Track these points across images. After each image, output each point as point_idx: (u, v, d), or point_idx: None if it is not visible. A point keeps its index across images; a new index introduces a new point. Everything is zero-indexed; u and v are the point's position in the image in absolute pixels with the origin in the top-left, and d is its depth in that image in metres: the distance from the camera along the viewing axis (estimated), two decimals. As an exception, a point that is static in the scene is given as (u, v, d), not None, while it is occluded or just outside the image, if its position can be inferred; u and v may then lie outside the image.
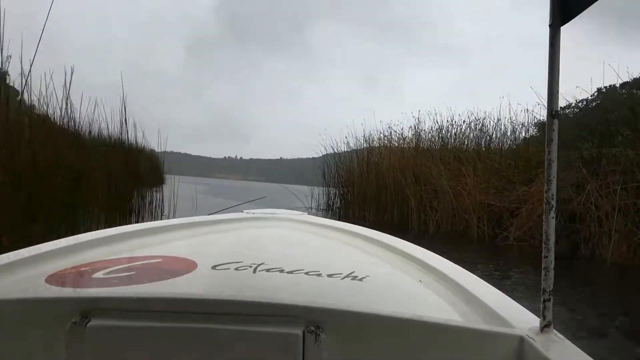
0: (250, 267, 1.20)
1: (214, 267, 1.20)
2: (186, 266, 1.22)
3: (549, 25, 0.87)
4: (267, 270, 1.19)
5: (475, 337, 0.86)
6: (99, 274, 1.13)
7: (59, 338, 0.83)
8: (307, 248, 1.71)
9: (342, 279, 1.18)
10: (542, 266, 0.88)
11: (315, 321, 0.84)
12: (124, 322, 0.84)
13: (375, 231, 1.96)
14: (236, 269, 1.19)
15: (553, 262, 0.87)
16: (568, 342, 0.85)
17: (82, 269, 1.20)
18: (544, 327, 0.87)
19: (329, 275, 1.19)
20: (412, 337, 0.86)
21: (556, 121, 0.87)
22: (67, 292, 1.05)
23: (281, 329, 0.83)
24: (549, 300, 0.88)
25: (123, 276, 1.13)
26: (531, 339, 0.84)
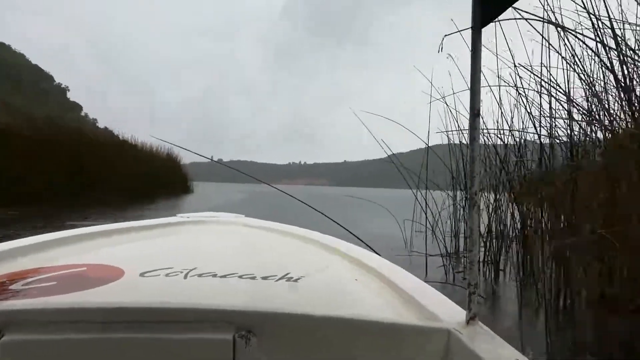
0: (181, 272, 1.23)
1: (142, 274, 1.21)
2: (112, 274, 1.23)
3: (471, 28, 0.95)
4: (199, 275, 1.22)
5: (406, 333, 0.93)
6: (17, 286, 1.12)
7: None
8: (242, 251, 1.77)
9: (277, 280, 1.23)
10: (468, 260, 0.97)
11: (246, 325, 0.88)
12: (43, 335, 0.84)
13: (312, 231, 2.06)
14: (166, 275, 1.21)
15: (477, 257, 0.97)
16: (492, 334, 0.93)
17: None
18: (469, 320, 0.95)
19: (264, 278, 1.24)
20: (345, 336, 0.91)
21: (479, 119, 0.93)
22: None
23: (211, 335, 0.87)
24: (474, 293, 0.96)
25: (43, 287, 1.11)
26: (458, 332, 0.92)
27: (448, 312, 1.04)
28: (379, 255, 1.73)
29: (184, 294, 1.12)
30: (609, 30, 3.44)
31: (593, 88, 3.81)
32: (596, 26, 3.50)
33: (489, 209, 5.33)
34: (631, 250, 3.06)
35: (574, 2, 3.54)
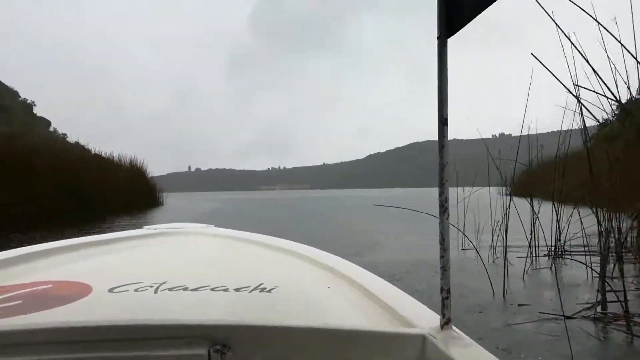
0: (152, 287, 1.22)
1: (110, 290, 1.20)
2: (79, 290, 1.20)
3: (437, 38, 0.97)
4: (170, 289, 1.21)
5: (380, 339, 0.94)
6: None
7: None
8: (214, 262, 1.76)
9: (250, 292, 1.22)
10: (440, 266, 0.98)
11: (220, 339, 0.88)
12: (10, 358, 0.82)
13: (283, 240, 2.07)
14: (136, 290, 1.20)
15: (449, 262, 0.98)
16: (467, 338, 0.94)
17: None
18: (444, 325, 0.96)
19: (237, 290, 1.23)
20: (320, 346, 0.92)
21: (447, 127, 0.96)
22: None
23: (185, 350, 0.86)
24: (447, 298, 0.97)
25: (7, 306, 1.08)
26: (432, 336, 0.93)
27: (422, 318, 1.05)
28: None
29: (156, 309, 1.10)
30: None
31: None
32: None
33: None
34: None
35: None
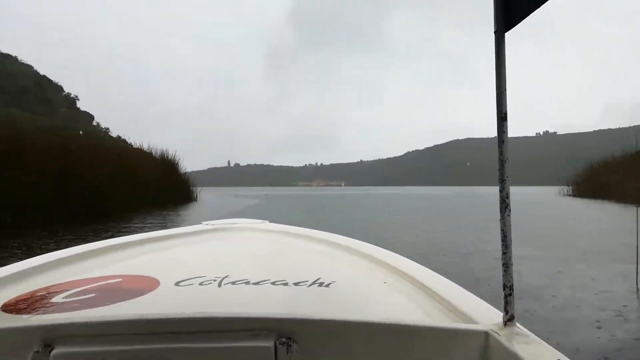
0: (215, 280, 1.28)
1: (177, 284, 1.26)
2: (148, 284, 1.27)
3: (494, 32, 0.96)
4: (233, 283, 1.27)
5: (441, 335, 0.94)
6: (58, 298, 1.16)
7: None
8: (271, 257, 1.83)
9: (309, 286, 1.26)
10: (502, 262, 0.98)
11: (286, 332, 0.91)
12: (89, 347, 0.87)
13: (337, 235, 2.13)
14: (200, 283, 1.26)
15: (512, 258, 0.97)
16: (531, 335, 0.93)
17: (39, 294, 1.22)
18: (507, 322, 0.96)
19: (296, 284, 1.28)
20: (381, 340, 0.94)
21: (506, 123, 0.95)
22: (27, 320, 1.03)
23: (252, 342, 0.89)
24: (510, 294, 0.97)
25: (84, 299, 1.15)
26: (496, 333, 0.92)
27: (484, 314, 1.04)
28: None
29: (220, 302, 1.14)
30: None
31: None
32: None
33: None
34: None
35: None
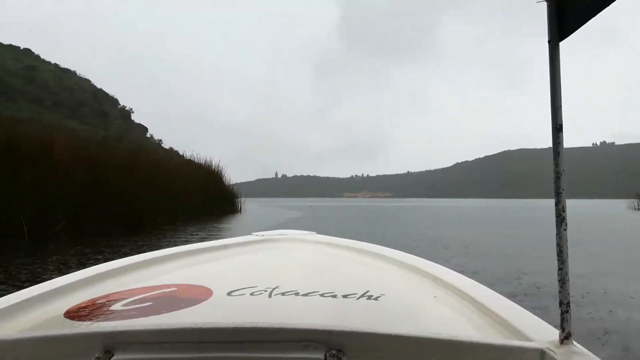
0: (265, 291, 1.31)
1: (229, 294, 1.29)
2: (202, 293, 1.31)
3: (548, 42, 0.95)
4: (283, 294, 1.29)
5: (495, 352, 0.91)
6: (117, 306, 1.21)
7: None
8: (320, 268, 1.84)
9: (358, 299, 1.27)
10: (558, 278, 0.95)
11: (336, 344, 0.91)
12: (146, 354, 0.90)
13: (385, 247, 2.14)
14: (251, 294, 1.29)
15: (568, 274, 0.95)
16: (589, 354, 0.91)
17: (99, 301, 1.27)
18: (563, 339, 0.93)
19: (344, 296, 1.28)
20: (432, 355, 0.92)
21: (562, 134, 0.94)
22: (89, 326, 1.08)
23: (302, 354, 0.90)
24: (567, 311, 0.94)
25: (141, 307, 1.19)
26: (551, 351, 0.90)
27: (539, 331, 1.02)
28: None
29: (271, 313, 1.16)
30: None
31: None
32: None
33: None
34: None
35: None
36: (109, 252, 9.49)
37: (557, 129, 0.94)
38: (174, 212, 17.88)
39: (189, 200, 20.17)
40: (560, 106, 0.94)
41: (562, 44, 0.95)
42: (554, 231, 0.95)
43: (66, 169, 13.09)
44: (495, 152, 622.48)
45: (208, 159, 27.87)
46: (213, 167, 27.91)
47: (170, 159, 27.10)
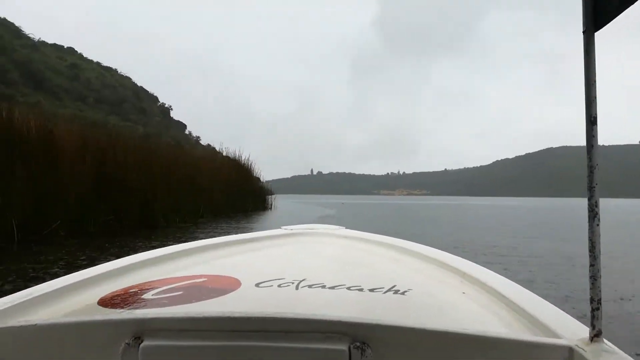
0: (293, 283, 1.33)
1: (257, 285, 1.32)
2: (230, 284, 1.34)
3: (583, 32, 0.93)
4: (309, 286, 1.31)
5: (522, 348, 0.90)
6: (148, 295, 1.24)
7: (113, 359, 0.93)
8: (347, 262, 1.85)
9: (384, 293, 1.27)
10: (589, 275, 0.93)
11: (360, 337, 0.92)
12: (175, 341, 0.93)
13: (413, 242, 2.13)
14: (279, 285, 1.31)
15: (600, 271, 0.93)
16: (620, 352, 0.90)
17: (132, 290, 1.31)
18: (593, 337, 0.92)
19: (371, 290, 1.29)
20: (458, 350, 0.91)
21: (596, 127, 0.93)
22: (120, 314, 1.11)
23: (327, 345, 0.91)
24: (597, 309, 0.93)
25: (171, 296, 1.23)
26: (581, 349, 0.89)
27: (568, 328, 1.01)
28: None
29: (297, 305, 1.17)
30: None
31: None
32: None
33: None
34: None
35: None
36: (97, 255, 8.34)
37: (591, 122, 0.93)
38: (195, 209, 16.85)
39: (212, 196, 19.15)
40: (595, 99, 0.93)
41: (598, 34, 0.93)
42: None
43: (69, 161, 11.50)
44: (537, 149, 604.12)
45: (238, 152, 27.12)
46: (242, 161, 26.53)
47: (192, 150, 26.30)
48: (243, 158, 26.79)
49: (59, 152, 11.33)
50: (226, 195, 20.71)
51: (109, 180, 12.43)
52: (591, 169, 0.94)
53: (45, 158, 10.88)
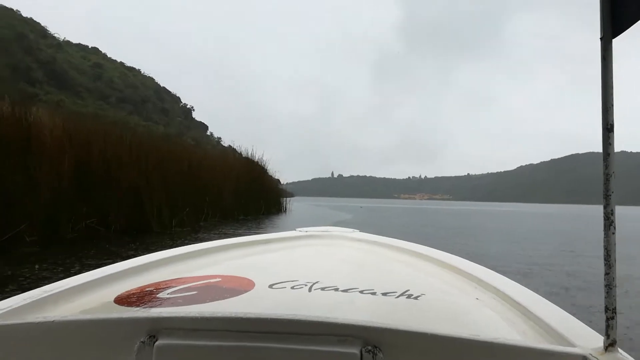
0: (306, 285, 1.32)
1: (270, 286, 1.32)
2: (244, 285, 1.34)
3: (600, 39, 0.92)
4: (322, 289, 1.30)
5: (535, 356, 0.90)
6: (164, 294, 1.25)
7: (128, 357, 0.94)
8: (361, 266, 1.83)
9: (397, 297, 1.26)
10: (605, 283, 0.93)
11: (372, 340, 0.92)
12: (189, 340, 0.94)
13: (427, 247, 2.12)
14: (292, 287, 1.31)
15: (615, 279, 0.93)
16: None
17: (147, 289, 1.32)
18: (608, 346, 0.91)
19: (384, 294, 1.28)
20: (471, 357, 0.91)
21: (612, 134, 0.92)
22: (135, 312, 1.12)
23: (339, 348, 0.91)
24: (612, 318, 0.92)
25: (186, 296, 1.24)
26: (595, 358, 0.88)
27: (582, 337, 1.00)
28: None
29: (310, 307, 1.17)
30: None
31: None
32: None
33: None
34: None
35: None
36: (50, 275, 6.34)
37: (608, 129, 0.92)
38: (197, 210, 15.31)
39: (220, 196, 17.77)
40: (612, 105, 0.92)
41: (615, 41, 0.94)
42: None
43: (44, 150, 9.90)
44: (562, 155, 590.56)
45: (251, 151, 25.65)
46: (255, 160, 25.07)
47: (196, 147, 25.20)
48: (257, 157, 25.35)
49: (31, 140, 9.66)
50: (235, 195, 19.27)
51: (93, 176, 10.81)
52: (607, 176, 0.93)
53: (11, 146, 9.31)
